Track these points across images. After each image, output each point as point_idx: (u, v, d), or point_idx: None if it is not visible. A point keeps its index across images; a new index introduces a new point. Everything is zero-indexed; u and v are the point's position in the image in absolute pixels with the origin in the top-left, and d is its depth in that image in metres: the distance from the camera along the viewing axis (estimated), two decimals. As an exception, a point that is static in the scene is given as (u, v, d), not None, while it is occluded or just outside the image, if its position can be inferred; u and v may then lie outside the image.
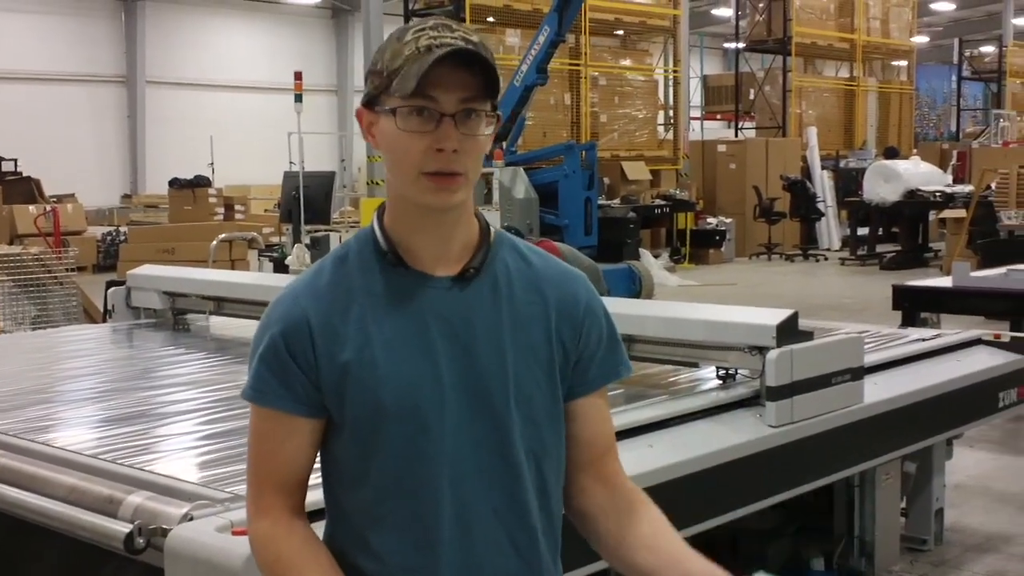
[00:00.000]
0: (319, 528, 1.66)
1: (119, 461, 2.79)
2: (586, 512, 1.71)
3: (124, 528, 2.30)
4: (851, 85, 23.87)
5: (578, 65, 18.04)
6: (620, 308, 3.85)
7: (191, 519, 2.28)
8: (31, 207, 16.65)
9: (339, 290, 1.59)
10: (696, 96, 28.35)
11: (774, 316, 3.40)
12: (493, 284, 1.62)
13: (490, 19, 16.88)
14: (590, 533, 1.72)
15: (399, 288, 1.59)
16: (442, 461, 1.57)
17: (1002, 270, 7.07)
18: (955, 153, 21.99)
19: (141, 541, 2.27)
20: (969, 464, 5.91)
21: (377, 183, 15.76)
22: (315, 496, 1.67)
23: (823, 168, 20.55)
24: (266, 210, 21.01)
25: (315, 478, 1.66)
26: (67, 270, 7.82)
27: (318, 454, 1.64)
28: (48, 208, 15.72)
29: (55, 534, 2.57)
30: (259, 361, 1.59)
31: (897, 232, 18.03)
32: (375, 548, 1.58)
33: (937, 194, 16.83)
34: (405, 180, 1.56)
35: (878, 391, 3.75)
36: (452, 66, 1.51)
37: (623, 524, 1.68)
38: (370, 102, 1.59)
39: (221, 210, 18.79)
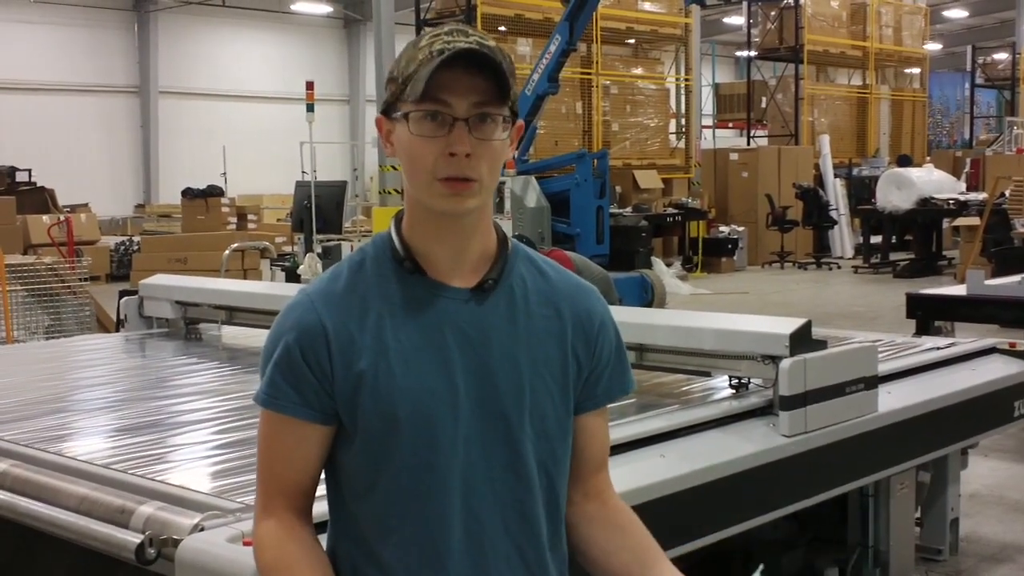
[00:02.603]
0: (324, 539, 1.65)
1: (131, 471, 2.78)
2: (572, 523, 1.70)
3: (135, 538, 2.29)
4: (863, 93, 23.83)
5: (590, 74, 18.06)
6: (632, 317, 3.84)
7: (202, 530, 2.27)
8: (44, 217, 16.70)
9: (355, 297, 1.58)
10: (708, 104, 28.35)
11: (787, 325, 3.38)
12: (510, 297, 1.62)
13: (501, 28, 16.92)
14: (574, 544, 1.71)
15: (416, 297, 1.58)
16: (454, 474, 1.56)
17: (1016, 278, 7.03)
18: (968, 161, 21.95)
19: (152, 552, 2.26)
20: (984, 473, 5.87)
21: (389, 192, 15.78)
22: (320, 507, 1.67)
23: (836, 176, 20.52)
24: (278, 219, 21.07)
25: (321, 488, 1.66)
26: (80, 280, 7.84)
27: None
28: (61, 218, 15.78)
29: (67, 544, 2.57)
30: (273, 367, 1.57)
31: (910, 240, 17.98)
32: (383, 560, 1.57)
33: (950, 202, 16.78)
34: (419, 186, 1.55)
35: (892, 400, 3.73)
36: (464, 70, 1.50)
37: (612, 538, 1.68)
38: (387, 109, 1.58)
39: (233, 220, 18.85)
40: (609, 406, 1.75)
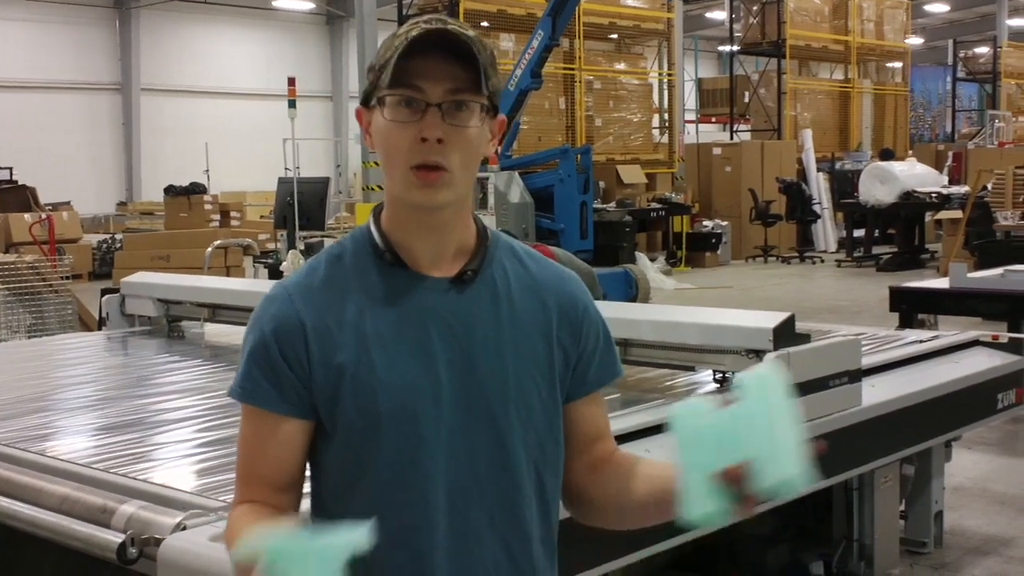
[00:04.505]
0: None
1: (113, 470, 2.77)
2: (592, 500, 1.67)
3: (117, 538, 2.28)
4: (846, 87, 23.90)
5: (573, 69, 18.04)
6: (616, 312, 3.84)
7: (184, 529, 2.26)
8: (26, 215, 16.60)
9: (334, 290, 1.56)
10: (691, 99, 28.39)
11: (771, 319, 3.38)
12: (492, 288, 1.60)
13: (484, 24, 16.90)
14: (597, 515, 1.68)
15: (396, 289, 1.56)
16: (438, 470, 1.54)
17: (999, 271, 7.07)
18: (951, 154, 22.03)
19: (134, 551, 2.25)
20: (968, 466, 5.89)
21: (372, 188, 15.74)
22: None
23: (819, 170, 20.56)
24: (262, 216, 21.01)
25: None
26: (62, 278, 7.80)
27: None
28: (43, 216, 15.70)
29: (49, 544, 2.55)
30: (249, 360, 1.55)
31: (893, 234, 18.04)
32: (367, 557, 1.55)
33: (933, 195, 16.85)
34: (394, 176, 1.53)
35: (876, 393, 3.74)
36: (441, 57, 1.49)
37: (623, 486, 1.63)
38: (366, 99, 1.57)
39: (217, 217, 18.78)
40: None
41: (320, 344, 1.53)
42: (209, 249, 9.80)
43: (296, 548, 1.28)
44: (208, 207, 18.75)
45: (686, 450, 1.42)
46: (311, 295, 1.56)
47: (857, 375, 3.60)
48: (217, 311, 4.98)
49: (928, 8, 33.52)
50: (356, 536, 1.31)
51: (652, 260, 16.21)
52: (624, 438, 2.99)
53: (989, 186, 14.56)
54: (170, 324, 5.20)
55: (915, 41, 30.58)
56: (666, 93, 20.68)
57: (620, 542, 2.66)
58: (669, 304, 11.43)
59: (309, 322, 1.54)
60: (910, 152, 23.35)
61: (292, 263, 10.39)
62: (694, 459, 1.40)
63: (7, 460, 2.90)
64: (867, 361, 3.84)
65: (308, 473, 1.63)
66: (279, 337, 1.54)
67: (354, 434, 1.54)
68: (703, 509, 1.39)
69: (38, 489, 2.65)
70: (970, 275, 7.08)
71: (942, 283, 7.11)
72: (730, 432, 1.39)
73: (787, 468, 1.37)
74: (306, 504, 1.65)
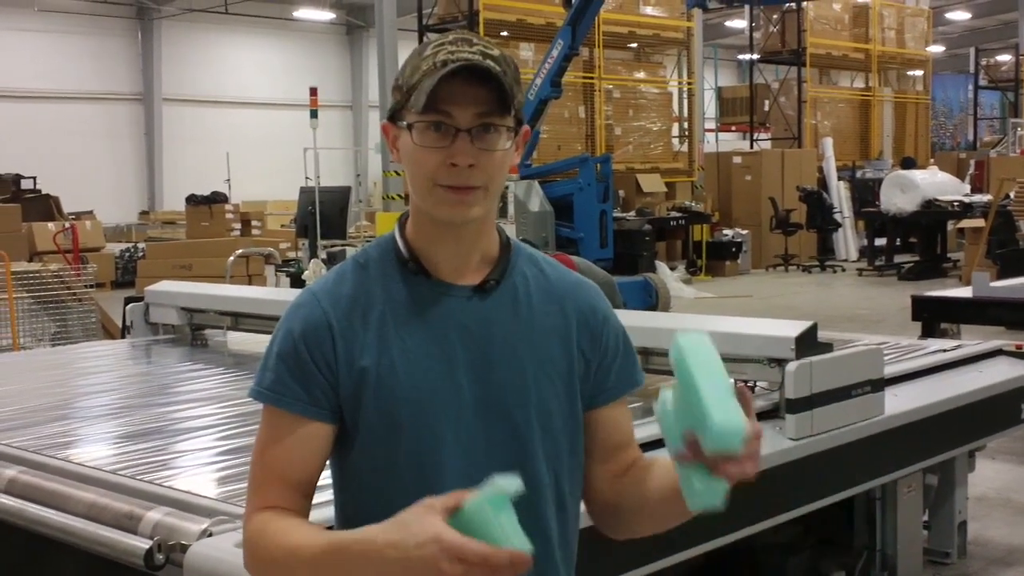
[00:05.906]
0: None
1: (138, 477, 2.79)
2: (617, 506, 1.68)
3: (144, 544, 2.30)
4: (866, 95, 23.82)
5: (592, 78, 18.06)
6: (636, 321, 3.84)
7: (210, 535, 2.28)
8: (50, 224, 16.71)
9: (360, 295, 1.59)
10: (711, 108, 28.35)
11: (793, 328, 3.38)
12: (513, 295, 1.62)
13: (504, 33, 16.93)
14: (623, 522, 1.68)
15: (420, 297, 1.59)
16: (458, 473, 1.55)
17: (1021, 279, 7.04)
18: (972, 162, 21.94)
19: (161, 557, 2.27)
20: (991, 476, 5.86)
21: (392, 197, 15.79)
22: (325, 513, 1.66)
23: (839, 179, 20.50)
24: (282, 225, 21.11)
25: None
26: (86, 286, 7.86)
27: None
28: (67, 225, 15.80)
29: (75, 550, 2.57)
30: (278, 361, 1.57)
31: (915, 242, 17.96)
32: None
33: (955, 204, 16.76)
34: (422, 193, 1.56)
35: (898, 403, 3.73)
36: (467, 81, 1.51)
37: (643, 487, 1.65)
38: (393, 116, 1.59)
39: (238, 226, 18.89)
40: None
41: (346, 346, 1.56)
42: (231, 258, 9.86)
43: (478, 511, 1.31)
44: (229, 216, 18.86)
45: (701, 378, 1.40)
46: (338, 300, 1.59)
47: (880, 384, 3.59)
48: (240, 319, 5.01)
49: (949, 16, 33.41)
50: (504, 484, 1.32)
51: (672, 269, 16.20)
52: (645, 447, 2.98)
53: (1011, 194, 14.47)
54: (193, 332, 5.23)
55: (936, 49, 30.47)
56: (686, 102, 20.65)
57: (638, 552, 2.67)
58: (689, 313, 11.43)
59: (336, 324, 1.56)
60: (931, 160, 23.22)
61: (314, 272, 10.43)
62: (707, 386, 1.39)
63: (34, 467, 2.92)
64: (890, 370, 3.83)
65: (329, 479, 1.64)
66: (307, 340, 1.56)
67: (375, 437, 1.56)
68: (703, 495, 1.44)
69: (65, 496, 2.67)
70: (993, 284, 7.04)
71: (964, 292, 7.08)
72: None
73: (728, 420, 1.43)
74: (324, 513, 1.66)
